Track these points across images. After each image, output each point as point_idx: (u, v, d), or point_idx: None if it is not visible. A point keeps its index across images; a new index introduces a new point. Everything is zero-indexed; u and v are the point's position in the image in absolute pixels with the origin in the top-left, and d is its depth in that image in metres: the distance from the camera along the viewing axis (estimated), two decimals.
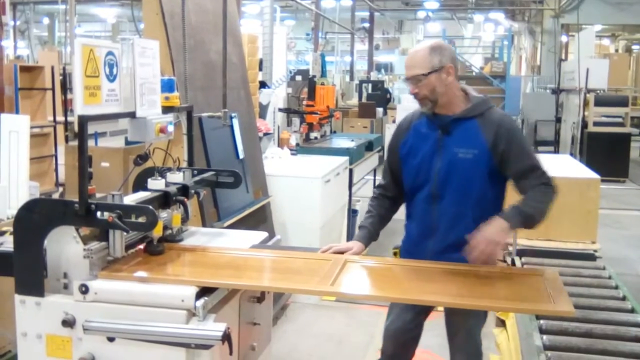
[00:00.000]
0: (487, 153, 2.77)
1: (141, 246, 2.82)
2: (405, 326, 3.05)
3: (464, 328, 2.97)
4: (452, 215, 2.83)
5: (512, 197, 2.91)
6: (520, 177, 2.79)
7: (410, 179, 2.93)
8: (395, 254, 3.06)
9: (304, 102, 7.87)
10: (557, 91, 14.52)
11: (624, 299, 3.70)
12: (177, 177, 3.07)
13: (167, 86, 3.29)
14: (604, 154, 11.78)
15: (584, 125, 12.36)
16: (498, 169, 2.81)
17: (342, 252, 2.90)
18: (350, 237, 6.38)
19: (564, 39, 19.70)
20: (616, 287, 3.89)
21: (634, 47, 25.67)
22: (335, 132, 9.79)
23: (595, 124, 12.37)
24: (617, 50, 24.28)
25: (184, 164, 3.36)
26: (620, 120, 12.57)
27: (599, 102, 12.47)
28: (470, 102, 2.85)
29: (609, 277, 4.08)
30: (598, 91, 12.83)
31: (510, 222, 2.66)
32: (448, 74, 2.77)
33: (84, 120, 2.54)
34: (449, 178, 2.81)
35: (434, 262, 2.82)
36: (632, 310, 3.52)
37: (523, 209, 2.71)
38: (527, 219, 2.70)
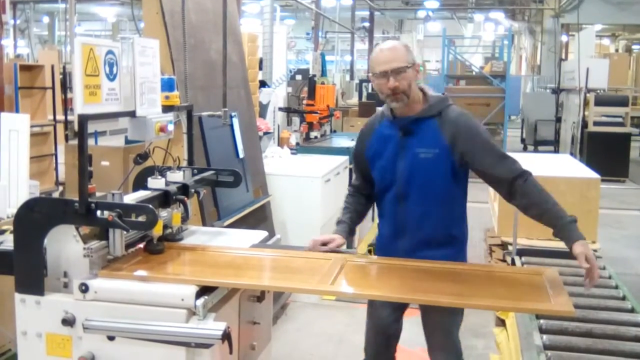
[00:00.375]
0: (447, 152, 2.78)
1: (141, 245, 2.82)
2: (384, 322, 3.08)
3: (441, 326, 2.99)
4: (419, 215, 2.85)
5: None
6: (490, 170, 2.79)
7: (378, 181, 2.97)
8: (370, 251, 3.09)
9: (304, 102, 7.88)
10: (557, 91, 14.52)
11: (624, 298, 3.70)
12: (177, 176, 3.07)
13: (167, 85, 3.29)
14: (604, 153, 11.77)
15: (584, 125, 12.35)
16: (459, 167, 2.83)
17: (325, 243, 2.93)
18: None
19: (564, 38, 19.70)
20: (616, 287, 3.89)
21: (634, 47, 25.66)
22: (335, 131, 9.79)
23: (596, 123, 12.36)
24: (617, 50, 24.28)
25: (184, 163, 3.36)
26: (620, 120, 12.56)
27: (599, 101, 12.47)
28: (428, 101, 2.87)
29: (609, 277, 4.08)
30: (598, 91, 12.83)
31: (583, 237, 2.64)
32: (417, 72, 2.83)
33: (84, 119, 2.54)
34: (412, 178, 2.83)
35: (435, 262, 2.82)
36: (632, 310, 3.52)
37: (572, 220, 2.68)
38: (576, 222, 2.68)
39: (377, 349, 3.15)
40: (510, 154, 2.88)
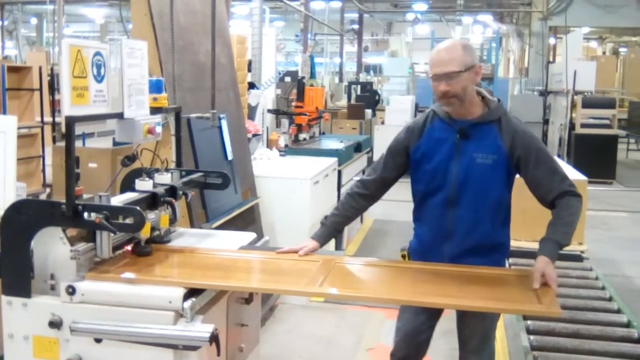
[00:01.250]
0: (505, 158, 2.74)
1: (129, 247, 2.81)
2: (418, 329, 3.00)
3: (480, 332, 2.94)
4: (470, 220, 2.78)
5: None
6: (539, 182, 2.76)
7: (424, 184, 2.87)
8: (403, 256, 3.01)
9: (293, 104, 7.88)
10: (544, 93, 14.58)
11: (610, 299, 3.73)
12: (165, 178, 3.07)
13: (155, 87, 3.28)
14: (592, 155, 11.84)
15: (572, 127, 12.41)
16: (513, 173, 2.80)
17: (295, 251, 2.91)
18: (339, 238, 6.38)
19: (551, 41, 19.79)
20: (603, 288, 3.92)
21: (620, 49, 25.83)
22: (324, 133, 9.79)
23: (583, 125, 12.43)
24: (604, 53, 24.46)
25: (172, 165, 3.35)
26: (607, 122, 12.62)
27: (587, 104, 12.53)
28: (487, 105, 2.80)
29: (596, 278, 4.11)
30: (585, 93, 12.89)
31: (552, 256, 2.65)
32: (477, 74, 2.74)
33: (71, 121, 2.53)
34: (466, 183, 2.76)
35: (421, 262, 2.82)
36: (618, 311, 3.55)
37: (560, 240, 2.69)
38: (563, 246, 2.69)
39: (407, 353, 3.05)
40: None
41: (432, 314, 3.00)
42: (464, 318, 2.95)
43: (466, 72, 2.68)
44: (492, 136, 2.75)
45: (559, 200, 2.73)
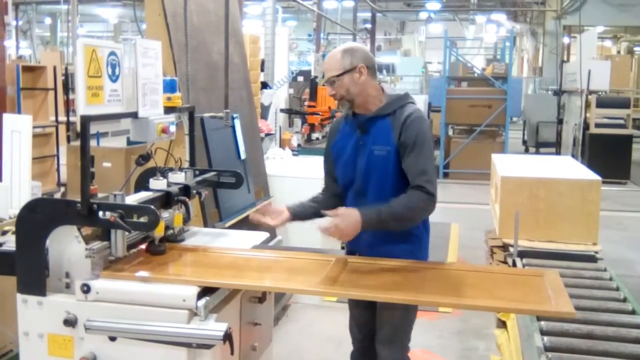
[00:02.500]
0: (396, 149, 2.85)
1: (143, 246, 2.83)
2: (362, 319, 3.15)
3: (389, 323, 3.01)
4: None
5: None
6: (407, 170, 2.85)
7: (341, 178, 3.05)
8: (343, 247, 3.20)
9: (306, 103, 7.90)
10: (558, 92, 14.51)
11: (624, 300, 3.71)
12: (178, 177, 3.08)
13: (169, 86, 3.30)
14: (606, 155, 11.77)
15: (586, 126, 12.34)
16: None
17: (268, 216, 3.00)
18: None
19: (565, 40, 19.71)
20: (617, 289, 3.89)
21: (635, 48, 25.66)
22: None
23: (597, 125, 12.35)
24: (619, 52, 24.30)
25: (186, 164, 3.37)
26: (621, 122, 12.55)
27: (601, 103, 12.46)
28: (385, 100, 2.93)
29: (610, 279, 4.08)
30: (600, 93, 12.82)
31: (364, 220, 2.72)
32: (360, 74, 2.87)
33: (86, 121, 2.54)
34: (369, 175, 2.92)
35: (438, 262, 2.83)
36: (633, 312, 3.52)
37: (382, 213, 2.76)
38: (381, 223, 2.76)
39: (362, 342, 3.21)
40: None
41: (369, 304, 3.04)
42: (378, 310, 3.03)
43: (346, 74, 2.87)
44: (385, 129, 2.89)
45: (410, 190, 2.83)
